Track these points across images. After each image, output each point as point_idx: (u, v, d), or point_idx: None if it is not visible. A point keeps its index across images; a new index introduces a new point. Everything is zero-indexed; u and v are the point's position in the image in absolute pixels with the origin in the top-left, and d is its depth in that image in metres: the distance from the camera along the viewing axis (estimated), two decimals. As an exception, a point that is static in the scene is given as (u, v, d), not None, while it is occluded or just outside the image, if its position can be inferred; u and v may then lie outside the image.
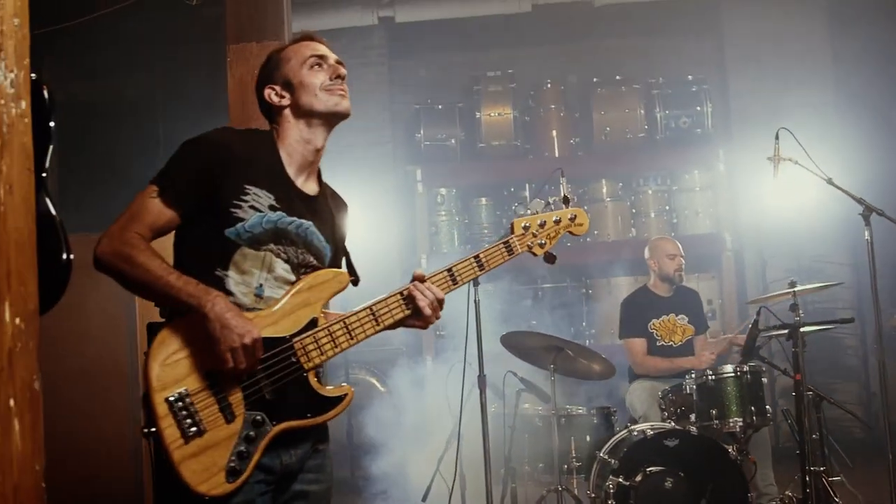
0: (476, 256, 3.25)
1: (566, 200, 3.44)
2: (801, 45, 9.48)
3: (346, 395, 3.09)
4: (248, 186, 3.04)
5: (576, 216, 3.42)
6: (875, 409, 9.01)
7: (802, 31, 9.52)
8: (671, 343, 6.71)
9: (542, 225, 3.36)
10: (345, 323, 3.09)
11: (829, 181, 5.96)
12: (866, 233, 5.84)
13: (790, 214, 8.52)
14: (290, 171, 3.18)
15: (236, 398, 2.94)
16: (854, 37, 9.64)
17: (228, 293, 3.01)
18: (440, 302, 3.18)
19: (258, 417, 2.95)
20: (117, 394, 6.38)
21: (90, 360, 6.38)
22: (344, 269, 3.32)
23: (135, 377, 6.32)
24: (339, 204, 3.42)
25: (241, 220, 3.01)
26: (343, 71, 3.21)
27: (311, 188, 3.25)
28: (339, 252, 3.33)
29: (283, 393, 2.99)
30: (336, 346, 3.08)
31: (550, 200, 3.47)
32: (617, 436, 5.88)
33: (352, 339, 3.10)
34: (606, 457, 5.72)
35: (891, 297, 9.27)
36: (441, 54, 9.61)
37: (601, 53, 9.91)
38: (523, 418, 6.15)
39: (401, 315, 3.16)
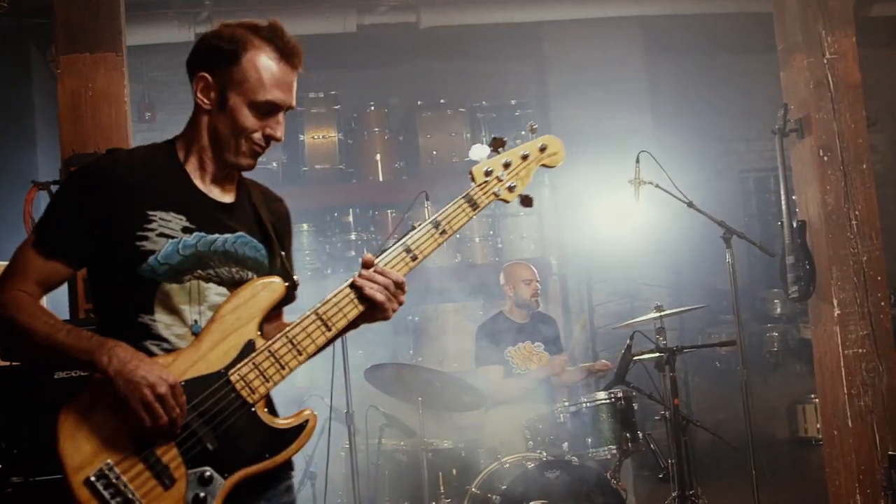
0: (434, 221, 2.75)
1: (532, 130, 2.97)
2: (620, 71, 9.64)
3: (306, 421, 2.66)
4: (151, 213, 2.62)
5: (546, 145, 2.92)
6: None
7: (621, 59, 9.67)
8: (527, 371, 6.57)
9: (507, 165, 2.84)
10: (288, 338, 2.64)
11: (690, 204, 6.01)
12: (728, 255, 5.91)
13: (615, 239, 8.59)
14: (201, 182, 2.75)
15: (171, 457, 2.50)
16: (669, 64, 9.91)
17: (162, 340, 2.59)
18: (398, 285, 2.69)
19: (206, 474, 2.52)
20: None
21: None
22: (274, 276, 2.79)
23: None
24: (271, 201, 2.94)
25: (152, 252, 2.58)
26: (279, 135, 2.74)
27: (229, 196, 2.81)
28: (278, 256, 2.85)
29: (230, 437, 2.56)
30: (283, 368, 2.62)
31: (426, 213, 3.07)
32: (487, 469, 5.67)
33: (300, 354, 2.64)
34: (479, 491, 5.50)
35: (703, 320, 9.56)
36: (261, 74, 9.20)
37: (425, 76, 9.75)
38: (386, 454, 5.87)
39: (355, 312, 2.69)
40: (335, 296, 2.69)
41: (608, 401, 5.76)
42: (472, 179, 2.84)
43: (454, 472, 5.82)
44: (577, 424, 5.76)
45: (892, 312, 6.49)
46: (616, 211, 7.91)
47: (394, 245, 2.74)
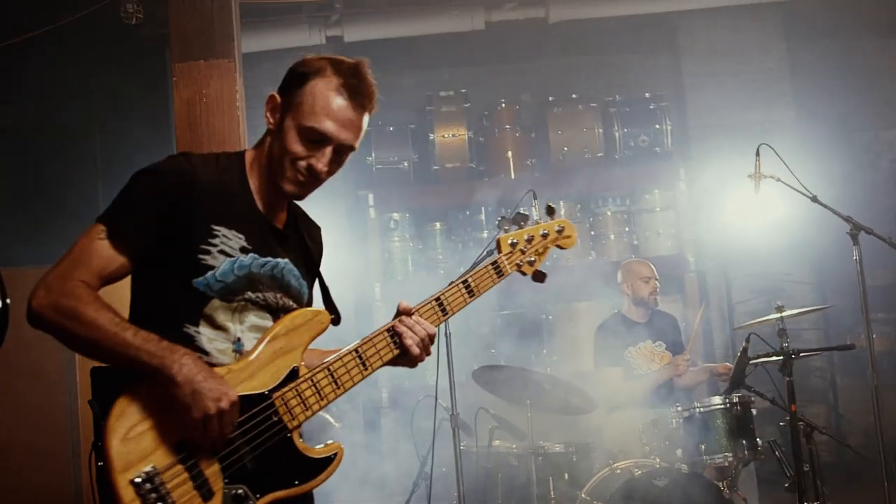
0: (464, 281, 2.91)
1: (550, 211, 3.13)
2: (759, 61, 9.25)
3: (335, 454, 2.69)
4: (216, 227, 2.62)
5: (563, 228, 3.15)
6: (845, 432, 8.80)
7: (759, 47, 9.29)
8: (649, 371, 6.36)
9: (529, 240, 3.07)
10: (329, 370, 2.69)
11: (814, 198, 5.71)
12: (855, 252, 5.58)
13: (754, 234, 8.24)
14: (260, 201, 2.75)
15: (213, 471, 2.51)
16: (811, 51, 9.47)
17: (202, 352, 2.58)
18: (431, 338, 2.81)
19: (240, 492, 2.53)
20: (53, 435, 5.87)
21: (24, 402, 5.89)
22: (321, 307, 2.90)
23: (74, 423, 5.84)
24: (311, 228, 3.01)
25: (211, 268, 2.59)
26: (320, 167, 2.71)
27: (282, 219, 2.84)
28: (311, 289, 2.93)
29: (267, 459, 2.57)
30: (322, 399, 2.68)
31: (534, 211, 3.15)
32: (598, 474, 5.51)
33: (338, 388, 2.70)
34: (589, 498, 5.34)
35: (852, 317, 9.08)
36: (391, 74, 9.22)
37: (556, 71, 9.60)
38: (497, 457, 5.77)
39: (390, 356, 2.79)
40: (374, 337, 2.79)
41: (723, 406, 5.51)
42: (498, 249, 3.05)
43: (566, 476, 5.68)
44: (691, 430, 5.53)
45: None
46: (754, 206, 7.58)
47: (427, 299, 2.88)
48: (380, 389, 8.51)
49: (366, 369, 2.75)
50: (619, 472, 5.43)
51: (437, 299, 2.87)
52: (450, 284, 2.92)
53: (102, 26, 7.45)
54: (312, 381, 2.67)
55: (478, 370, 5.85)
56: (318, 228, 3.07)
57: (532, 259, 3.07)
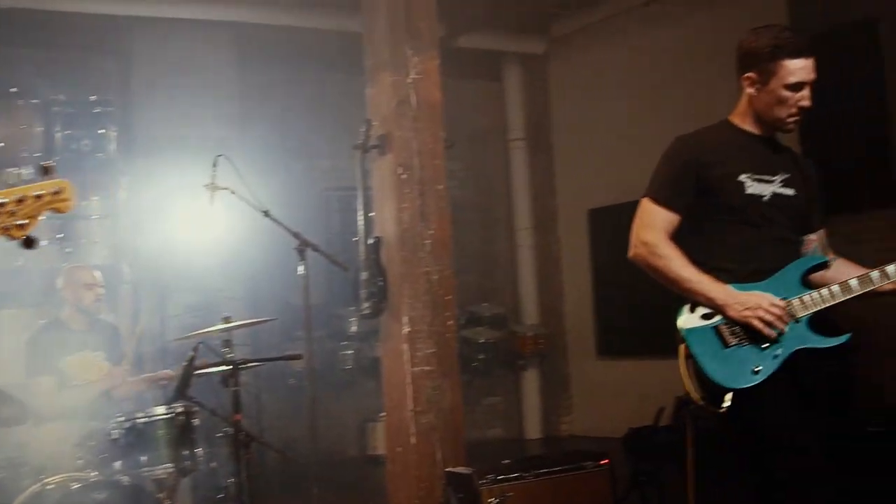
0: None
1: (46, 171, 2.79)
2: (211, 78, 9.34)
3: None
4: None
5: (60, 189, 2.80)
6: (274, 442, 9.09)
7: (212, 64, 9.38)
8: (85, 382, 6.04)
9: (20, 200, 2.72)
10: None
11: (267, 213, 5.82)
12: (301, 267, 5.77)
13: (197, 248, 8.25)
14: None
15: None
16: (262, 75, 9.74)
17: None
18: None
19: None
20: None
21: None
22: None
23: None
24: None
25: None
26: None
27: None
28: None
29: None
30: None
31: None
32: (29, 490, 5.12)
33: None
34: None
35: (280, 335, 9.41)
36: None
37: (-6, 61, 8.91)
38: None
39: None
40: None
41: (165, 416, 5.40)
42: None
43: (-10, 494, 5.21)
44: (133, 441, 5.34)
45: (460, 333, 6.66)
46: (196, 220, 7.56)
47: None
48: None
49: None
50: (51, 487, 5.08)
51: None
52: None
53: None
54: None
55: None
56: None
57: (24, 222, 2.73)
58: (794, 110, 3.64)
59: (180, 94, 9.19)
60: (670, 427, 9.03)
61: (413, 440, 6.21)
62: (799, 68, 3.60)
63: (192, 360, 5.27)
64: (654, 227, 3.65)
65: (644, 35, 10.13)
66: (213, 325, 5.47)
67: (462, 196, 10.98)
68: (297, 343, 9.37)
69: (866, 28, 8.15)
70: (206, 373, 5.41)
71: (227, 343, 5.46)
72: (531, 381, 11.37)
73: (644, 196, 3.74)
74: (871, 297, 3.60)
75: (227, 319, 5.51)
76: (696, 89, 8.92)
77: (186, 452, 5.42)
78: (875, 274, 3.56)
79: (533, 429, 11.37)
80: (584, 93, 11.02)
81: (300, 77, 10.01)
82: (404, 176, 6.31)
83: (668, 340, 3.64)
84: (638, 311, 10.12)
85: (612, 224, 9.09)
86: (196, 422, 5.60)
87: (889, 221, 8.00)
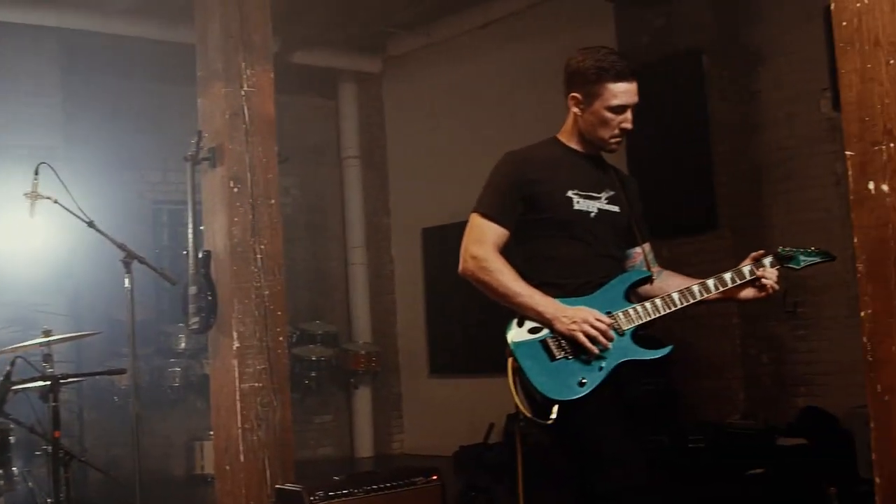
0: None
1: None
2: (34, 84, 9.03)
3: None
4: None
5: None
6: (94, 460, 8.78)
7: (34, 70, 9.07)
8: None
9: None
10: None
11: (91, 223, 5.65)
12: (126, 280, 5.61)
13: (18, 260, 7.95)
14: None
15: None
16: (87, 83, 9.47)
17: None
18: None
19: None
20: None
21: None
22: None
23: None
24: None
25: None
26: None
27: None
28: None
29: None
30: None
31: None
32: None
33: None
34: None
35: (106, 350, 9.14)
36: None
37: None
38: None
39: None
40: None
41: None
42: None
43: None
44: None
45: (292, 351, 6.59)
46: (16, 231, 7.28)
47: None
48: None
49: None
50: None
51: None
52: None
53: None
54: None
55: None
56: None
57: None
58: (616, 132, 3.72)
59: (1, 100, 8.84)
60: (500, 444, 9.20)
61: (242, 458, 6.09)
62: (622, 91, 3.68)
63: (8, 375, 5.07)
64: (483, 242, 3.67)
65: (478, 58, 10.29)
66: (32, 340, 5.28)
67: (295, 212, 10.93)
68: (123, 359, 9.13)
69: (690, 58, 8.46)
70: (24, 388, 5.21)
71: (48, 358, 5.29)
72: (363, 399, 11.34)
73: (473, 211, 3.76)
74: (695, 306, 3.73)
75: (47, 333, 5.34)
76: (526, 111, 9.10)
77: (1, 472, 5.19)
78: (696, 288, 3.67)
79: (364, 447, 11.33)
80: (419, 113, 11.13)
81: (131, 86, 9.78)
82: (236, 189, 6.21)
83: (499, 358, 3.66)
84: (470, 330, 10.26)
85: (446, 243, 9.17)
86: (12, 439, 5.39)
87: (711, 245, 8.31)
